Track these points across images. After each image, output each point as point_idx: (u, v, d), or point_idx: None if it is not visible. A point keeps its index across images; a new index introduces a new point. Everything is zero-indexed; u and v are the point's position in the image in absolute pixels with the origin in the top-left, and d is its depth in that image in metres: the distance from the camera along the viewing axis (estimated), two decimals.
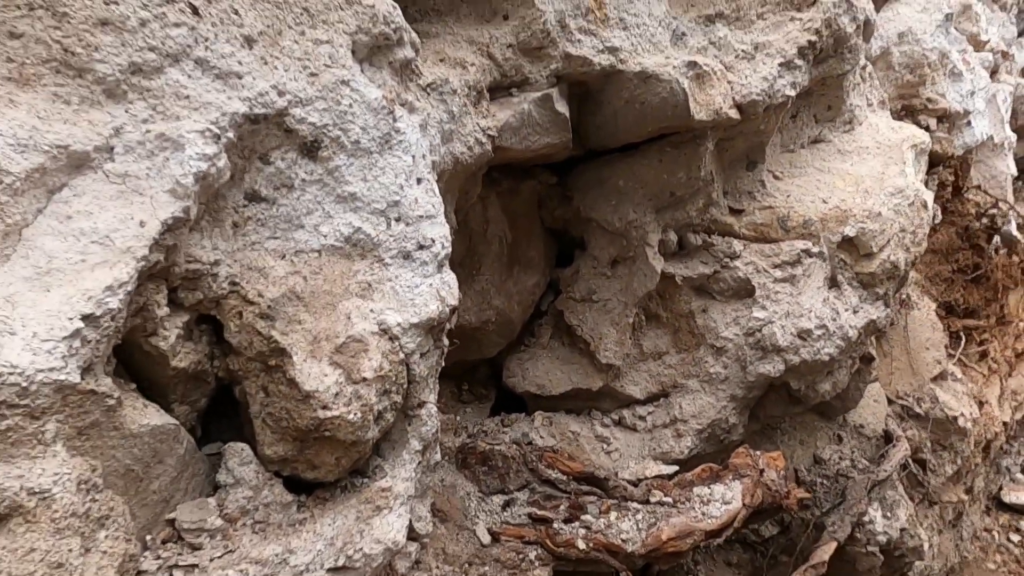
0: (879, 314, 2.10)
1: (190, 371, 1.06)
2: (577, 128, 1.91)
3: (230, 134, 0.99)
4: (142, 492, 0.97)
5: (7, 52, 0.85)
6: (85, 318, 0.80)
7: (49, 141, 0.84)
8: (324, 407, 1.07)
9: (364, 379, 1.10)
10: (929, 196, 2.20)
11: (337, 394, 1.07)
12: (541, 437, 2.04)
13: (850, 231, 2.04)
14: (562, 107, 1.72)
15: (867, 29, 2.18)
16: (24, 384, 0.74)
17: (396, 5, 1.24)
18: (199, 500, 1.08)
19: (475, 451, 1.87)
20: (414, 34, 1.30)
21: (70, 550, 0.77)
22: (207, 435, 1.21)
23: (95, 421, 0.85)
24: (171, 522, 1.03)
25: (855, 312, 2.06)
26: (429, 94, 1.37)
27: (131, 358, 0.99)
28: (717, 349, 2.05)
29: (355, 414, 1.09)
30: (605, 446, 2.07)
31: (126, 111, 0.92)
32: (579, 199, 2.06)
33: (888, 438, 2.62)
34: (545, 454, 1.92)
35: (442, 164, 1.45)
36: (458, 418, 2.11)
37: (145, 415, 0.96)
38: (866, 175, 2.17)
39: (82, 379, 0.81)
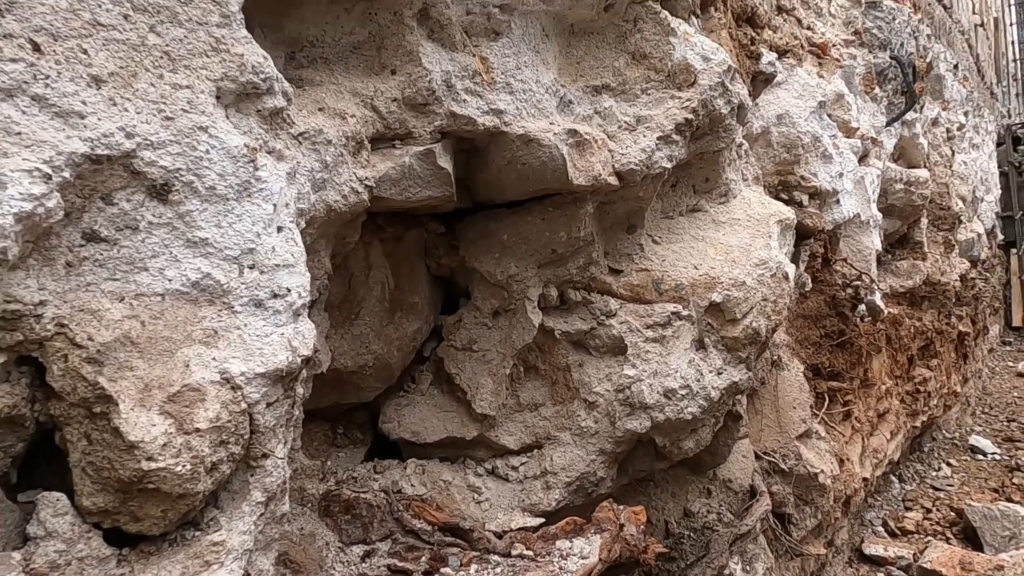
0: (741, 376, 2.23)
1: (3, 415, 1.01)
2: (466, 181, 1.97)
3: (65, 173, 0.97)
4: None
5: None
6: None
7: None
8: (149, 458, 1.03)
9: (197, 429, 1.08)
10: (791, 269, 2.39)
11: (165, 444, 1.04)
12: (412, 485, 2.03)
13: (717, 297, 2.18)
14: (445, 162, 1.77)
15: (741, 112, 2.37)
16: None
17: (267, 56, 1.25)
18: (2, 554, 1.01)
19: (339, 499, 1.84)
20: (287, 84, 1.31)
21: None
22: (29, 483, 1.14)
23: None
24: None
25: (719, 374, 2.18)
26: (301, 143, 1.38)
27: None
28: (589, 404, 2.12)
29: (184, 466, 1.06)
30: (476, 496, 2.08)
31: None
32: (465, 249, 2.11)
33: (753, 492, 2.76)
34: (412, 503, 1.91)
35: (312, 211, 1.45)
36: (329, 463, 2.07)
37: None
38: (735, 245, 2.33)
39: None
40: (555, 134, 1.84)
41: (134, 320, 1.08)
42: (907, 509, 4.82)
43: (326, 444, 2.15)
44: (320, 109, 1.51)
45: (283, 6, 1.59)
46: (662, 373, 2.10)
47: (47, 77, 0.95)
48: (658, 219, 2.39)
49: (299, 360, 1.24)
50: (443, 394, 2.18)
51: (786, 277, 2.35)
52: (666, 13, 2.20)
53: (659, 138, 2.10)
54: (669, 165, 2.13)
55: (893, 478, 5.16)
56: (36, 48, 0.94)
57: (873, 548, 4.12)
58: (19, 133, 0.93)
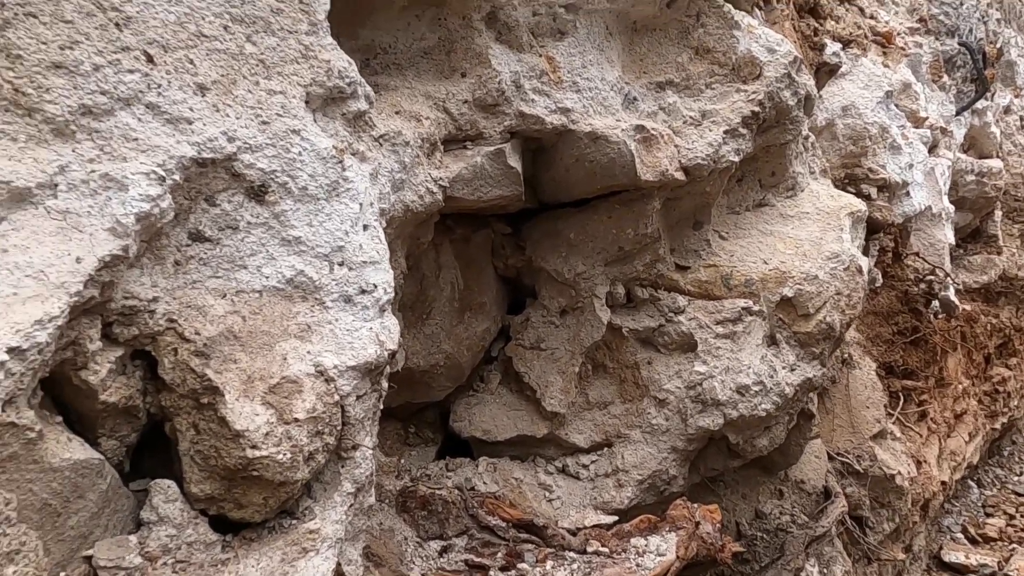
0: (815, 373, 2.18)
1: (120, 406, 1.07)
2: (532, 181, 1.99)
3: (176, 176, 1.03)
4: (59, 527, 0.96)
5: None
6: (11, 351, 0.81)
7: None
8: (253, 447, 1.08)
9: (296, 420, 1.12)
10: (864, 262, 2.32)
11: (267, 434, 1.09)
12: (484, 483, 2.05)
13: (788, 292, 2.14)
14: (514, 162, 1.79)
15: (808, 103, 2.32)
16: None
17: (351, 61, 1.30)
18: (119, 537, 1.07)
19: (416, 495, 1.87)
20: (368, 88, 1.36)
21: None
22: (138, 471, 1.20)
23: (13, 454, 0.86)
24: (88, 559, 1.02)
25: (792, 370, 2.14)
26: (381, 145, 1.43)
27: (60, 391, 1.00)
28: (660, 401, 2.10)
29: (284, 455, 1.10)
30: (548, 493, 2.09)
31: (73, 150, 0.95)
32: (531, 249, 2.13)
33: (827, 494, 2.69)
34: (486, 500, 1.93)
35: (392, 211, 1.49)
36: (402, 460, 2.11)
37: (68, 449, 0.96)
38: (805, 239, 2.28)
39: (3, 410, 0.82)
40: (622, 130, 1.85)
41: (236, 316, 1.13)
42: (988, 515, 4.60)
43: (399, 443, 2.19)
44: (397, 112, 1.55)
45: (358, 16, 1.65)
46: (734, 369, 2.07)
47: (159, 86, 1.01)
48: (724, 215, 2.36)
49: (386, 354, 1.28)
50: (512, 393, 2.20)
51: (860, 270, 2.29)
52: (729, 6, 2.18)
53: (725, 132, 2.08)
54: (736, 159, 2.10)
55: (971, 483, 4.93)
56: (149, 59, 1.00)
57: (953, 555, 3.94)
58: (136, 139, 0.99)
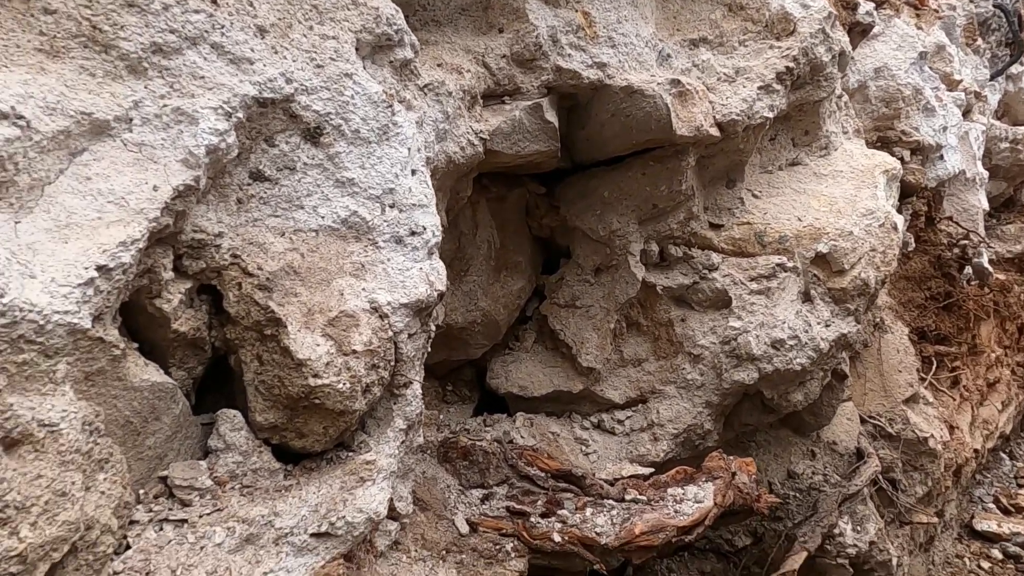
0: (850, 329, 2.19)
1: (189, 336, 1.12)
2: (565, 141, 2.01)
3: (240, 114, 1.07)
4: (138, 446, 1.02)
5: (40, 26, 0.92)
6: (99, 269, 0.86)
7: (75, 107, 0.91)
8: (315, 375, 1.12)
9: (354, 351, 1.16)
10: (899, 219, 2.31)
11: (328, 364, 1.13)
12: (522, 437, 2.09)
13: (823, 248, 2.14)
14: (551, 116, 1.81)
15: (842, 60, 2.31)
16: (41, 323, 0.80)
17: (398, 9, 1.33)
18: (191, 461, 1.13)
19: (457, 446, 1.92)
20: (414, 37, 1.39)
21: (73, 483, 0.82)
22: (201, 406, 1.26)
23: (101, 368, 0.91)
24: (163, 479, 1.08)
25: (827, 326, 2.15)
26: (426, 94, 1.46)
27: (135, 319, 1.05)
28: (694, 357, 2.12)
29: (344, 384, 1.15)
30: (584, 448, 2.13)
31: (146, 87, 0.99)
32: (565, 209, 2.15)
33: (860, 455, 2.69)
34: (525, 452, 1.97)
35: (436, 161, 1.53)
36: (441, 416, 2.16)
37: (146, 371, 1.01)
38: (839, 197, 2.27)
39: (93, 326, 0.87)
40: (658, 84, 1.86)
41: (294, 253, 1.17)
42: (1020, 486, 4.56)
43: (437, 400, 2.25)
44: (439, 64, 1.58)
45: None
46: (769, 324, 2.09)
47: (223, 27, 1.05)
48: (757, 174, 2.36)
49: (435, 294, 1.32)
50: (547, 350, 2.24)
51: (895, 227, 2.28)
52: None
53: (760, 87, 2.08)
54: (770, 115, 2.10)
55: (1003, 455, 4.89)
56: (213, 0, 1.04)
57: (985, 524, 3.93)
58: (202, 77, 1.03)
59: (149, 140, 0.97)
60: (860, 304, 2.21)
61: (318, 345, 1.13)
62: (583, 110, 1.92)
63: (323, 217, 1.21)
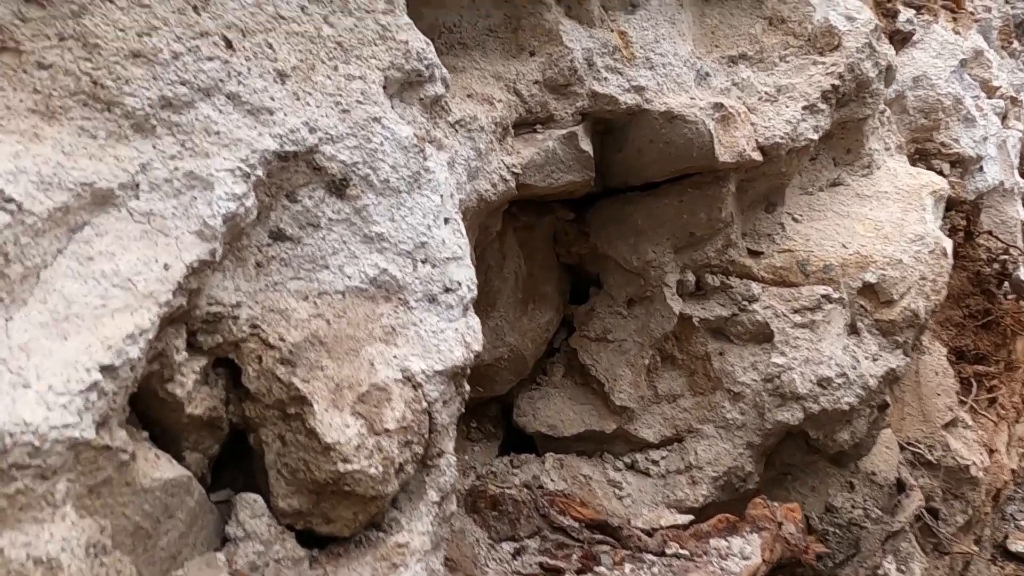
0: (899, 363, 2.06)
1: (205, 418, 1.01)
2: (598, 165, 1.88)
3: (259, 172, 0.95)
4: (150, 550, 0.91)
5: (34, 83, 0.81)
6: (104, 369, 0.75)
7: (74, 178, 0.79)
8: (345, 460, 1.01)
9: (386, 430, 1.05)
10: (949, 244, 2.18)
11: (359, 446, 1.02)
12: (552, 480, 1.98)
13: (871, 277, 2.01)
14: (586, 145, 1.69)
15: (889, 74, 2.18)
16: (36, 443, 0.68)
17: (429, 42, 1.21)
18: (207, 556, 1.02)
19: (485, 495, 1.81)
20: (445, 71, 1.27)
21: None
22: (216, 481, 1.15)
23: (107, 478, 0.80)
24: None
25: (874, 360, 2.02)
26: (457, 131, 1.34)
27: (145, 405, 0.94)
28: (734, 394, 2.00)
29: (376, 468, 1.03)
30: (617, 491, 2.01)
31: (154, 146, 0.87)
32: (596, 236, 2.03)
33: (901, 487, 2.57)
34: (556, 499, 1.86)
35: (467, 202, 1.41)
36: (467, 457, 2.05)
37: (158, 467, 0.90)
38: (886, 221, 2.14)
39: (97, 434, 0.75)
40: (700, 109, 1.73)
41: (320, 319, 1.06)
42: None
43: (460, 438, 2.13)
44: (469, 95, 1.46)
45: None
46: (814, 360, 1.96)
47: (239, 74, 0.94)
48: (796, 195, 2.23)
49: (472, 356, 1.20)
50: (577, 385, 2.12)
51: (944, 253, 2.15)
52: None
53: (804, 107, 1.95)
54: (815, 137, 1.98)
55: None
56: (228, 45, 0.93)
57: (1020, 544, 3.80)
58: (217, 132, 0.91)
59: (159, 209, 0.86)
60: (909, 336, 2.08)
61: (348, 426, 1.02)
62: (619, 134, 1.80)
63: (350, 277, 1.09)
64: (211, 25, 0.91)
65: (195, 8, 0.90)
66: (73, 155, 0.81)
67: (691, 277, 2.05)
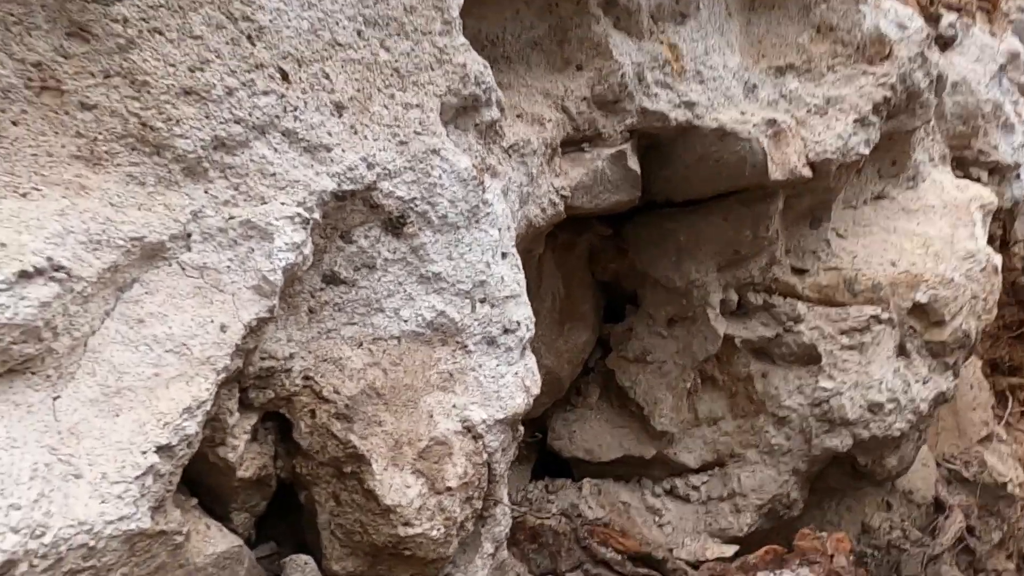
0: (948, 385, 1.99)
1: (254, 478, 0.93)
2: (641, 180, 1.80)
3: (316, 215, 0.87)
4: None
5: (77, 126, 0.73)
6: (160, 450, 0.67)
7: (123, 234, 0.71)
8: (406, 523, 0.94)
9: (448, 488, 0.98)
10: (999, 260, 2.10)
11: (420, 508, 0.95)
12: (590, 507, 1.91)
13: (922, 297, 1.93)
14: (634, 164, 1.61)
15: (939, 85, 2.09)
16: (91, 543, 0.61)
17: (487, 64, 1.12)
18: None
19: (524, 527, 1.73)
20: (500, 92, 1.18)
21: None
22: (259, 533, 1.07)
23: (161, 564, 0.72)
24: None
25: (924, 383, 1.95)
26: (510, 156, 1.26)
27: (195, 470, 0.86)
28: (779, 419, 1.93)
29: (438, 530, 0.96)
30: (657, 518, 1.94)
31: (206, 191, 0.79)
32: (635, 253, 1.95)
33: (939, 506, 2.50)
34: (596, 529, 1.79)
35: (518, 229, 1.33)
36: None
37: (209, 541, 0.83)
38: (935, 237, 2.06)
39: (152, 520, 0.68)
40: (754, 125, 1.65)
41: (376, 368, 0.98)
42: None
43: None
44: (519, 116, 1.38)
45: (466, 5, 1.47)
46: (864, 384, 1.88)
47: (295, 109, 0.86)
48: (840, 209, 2.15)
49: (531, 400, 1.13)
50: (613, 407, 2.04)
51: (996, 270, 2.07)
52: None
53: (855, 120, 1.86)
54: (866, 151, 1.89)
55: None
56: (284, 77, 0.84)
57: None
58: (273, 174, 0.83)
59: (212, 262, 0.78)
60: (959, 357, 2.01)
61: (408, 487, 0.94)
62: (666, 150, 1.71)
63: (406, 321, 1.02)
64: (266, 56, 0.83)
65: (249, 38, 0.81)
66: (121, 205, 0.73)
67: (733, 296, 1.97)
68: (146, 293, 0.74)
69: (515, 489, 1.99)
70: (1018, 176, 2.97)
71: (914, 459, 2.34)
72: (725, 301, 1.95)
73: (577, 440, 2.00)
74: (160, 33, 0.76)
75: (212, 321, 0.75)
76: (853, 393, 1.87)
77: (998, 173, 2.89)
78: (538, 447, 2.12)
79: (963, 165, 2.86)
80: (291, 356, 0.92)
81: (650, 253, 1.93)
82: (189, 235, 0.78)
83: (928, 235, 2.07)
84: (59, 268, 0.63)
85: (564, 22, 1.53)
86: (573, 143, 1.55)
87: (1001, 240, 3.02)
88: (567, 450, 2.00)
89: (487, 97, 1.13)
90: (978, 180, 2.84)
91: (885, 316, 1.94)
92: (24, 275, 0.59)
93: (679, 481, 1.98)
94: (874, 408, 1.86)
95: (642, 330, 1.99)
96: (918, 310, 1.95)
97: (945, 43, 2.58)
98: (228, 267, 0.78)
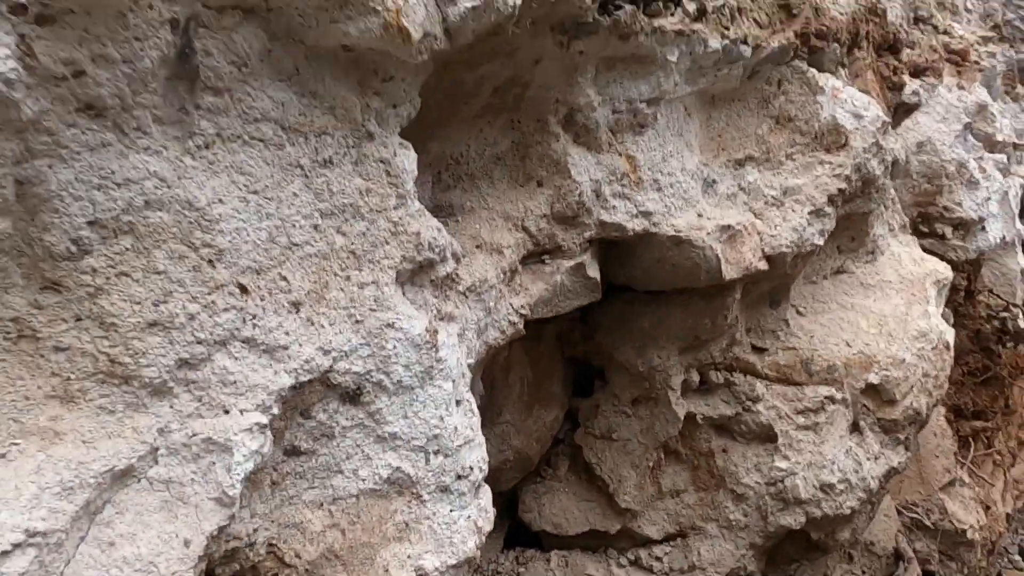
0: (900, 459, 2.08)
1: None
2: (603, 267, 1.88)
3: (274, 410, 0.96)
4: None
5: (52, 367, 0.81)
6: None
7: (95, 471, 0.79)
8: None
9: None
10: (951, 335, 2.19)
11: None
12: None
13: (874, 378, 2.03)
14: (594, 271, 1.69)
15: (895, 168, 2.17)
16: None
17: (440, 227, 1.20)
18: None
19: None
20: (456, 246, 1.26)
21: None
22: None
23: None
24: None
25: (876, 459, 2.04)
26: (468, 297, 1.34)
27: None
28: (737, 495, 2.02)
29: None
30: None
31: (171, 407, 0.88)
32: (601, 336, 2.04)
33: (899, 557, 2.61)
34: None
35: (476, 355, 1.41)
36: None
37: None
38: (889, 315, 2.15)
39: None
40: (708, 233, 1.73)
41: (335, 530, 1.07)
42: None
43: None
44: (478, 246, 1.46)
45: (429, 128, 1.53)
46: (817, 464, 1.98)
47: (254, 317, 0.93)
48: (800, 285, 2.24)
49: (483, 539, 1.21)
50: (581, 481, 2.14)
51: (947, 347, 2.17)
52: (813, 71, 2.02)
53: (810, 212, 1.94)
54: (821, 241, 1.97)
55: None
56: (243, 290, 0.92)
57: None
58: (234, 382, 0.91)
59: (177, 475, 0.86)
60: (911, 432, 2.10)
61: None
62: (626, 251, 1.79)
63: (364, 480, 1.10)
64: (226, 275, 0.91)
65: (210, 262, 0.89)
66: (94, 440, 0.81)
67: (695, 376, 2.06)
68: (116, 513, 0.82)
69: (486, 560, 2.09)
70: (983, 228, 3.06)
71: (867, 527, 2.44)
72: (687, 381, 2.04)
73: (546, 513, 2.10)
74: (127, 275, 0.83)
75: (176, 536, 0.83)
76: (807, 473, 1.97)
77: (963, 228, 2.98)
78: (509, 517, 2.21)
79: (928, 221, 2.95)
80: (255, 531, 1.00)
81: (615, 337, 2.02)
82: (156, 450, 0.86)
83: (883, 313, 2.16)
84: (35, 534, 0.71)
85: (526, 138, 1.61)
86: (534, 256, 1.63)
87: (966, 290, 3.12)
88: (536, 524, 2.10)
89: (441, 257, 1.21)
90: (942, 236, 2.93)
91: (839, 396, 2.03)
92: (3, 554, 0.68)
93: (643, 552, 2.08)
94: (826, 488, 1.96)
95: (608, 408, 2.08)
96: (871, 390, 2.04)
97: (908, 109, 2.66)
98: (192, 479, 0.87)
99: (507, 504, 2.22)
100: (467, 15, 1.09)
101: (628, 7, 1.45)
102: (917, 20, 3.04)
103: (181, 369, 0.88)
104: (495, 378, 1.91)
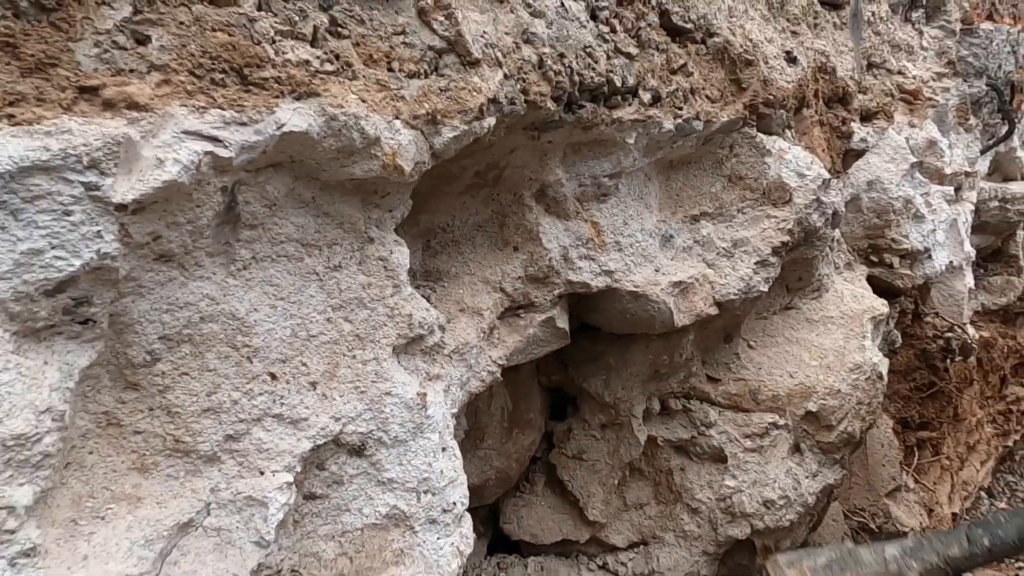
0: (836, 476, 2.37)
1: None
2: (573, 309, 2.14)
3: (298, 469, 1.22)
4: None
5: (132, 446, 1.06)
6: None
7: (167, 524, 1.05)
8: None
9: None
10: (884, 365, 2.47)
11: None
12: None
13: (813, 407, 2.30)
14: (563, 322, 1.95)
15: (835, 219, 2.43)
16: None
17: (430, 307, 1.46)
18: None
19: None
20: (442, 319, 1.52)
21: None
22: None
23: None
24: None
25: (814, 477, 2.33)
26: (452, 359, 1.60)
27: None
28: (692, 509, 2.31)
29: None
30: None
31: (219, 471, 1.13)
32: (573, 369, 2.31)
33: None
34: None
35: (459, 404, 1.67)
36: None
37: None
38: (829, 348, 2.43)
39: None
40: (662, 288, 1.99)
41: (344, 558, 1.33)
42: None
43: None
44: (461, 310, 1.71)
45: (419, 203, 1.79)
46: (761, 483, 2.26)
47: (281, 397, 1.19)
48: (752, 320, 2.51)
49: (464, 560, 1.48)
50: (556, 495, 2.41)
51: (880, 377, 2.44)
52: (761, 136, 2.27)
53: (756, 263, 2.21)
54: (766, 288, 2.24)
55: (981, 493, 5.13)
56: (273, 377, 1.18)
57: None
58: (267, 450, 1.17)
59: (226, 524, 1.12)
60: (846, 452, 2.39)
61: None
62: (592, 302, 2.05)
63: (367, 516, 1.36)
64: (260, 367, 1.16)
65: (248, 358, 1.15)
66: (164, 502, 1.07)
67: (656, 404, 2.34)
68: (181, 555, 1.08)
69: (471, 565, 2.36)
70: (929, 257, 3.34)
71: (808, 535, 2.73)
72: (648, 409, 2.32)
73: (524, 524, 2.37)
74: (186, 374, 1.09)
75: (227, 571, 1.10)
76: (752, 491, 2.25)
77: (909, 258, 3.26)
78: (492, 527, 2.49)
79: (878, 252, 3.22)
80: (282, 560, 1.26)
81: (585, 370, 2.29)
82: (209, 505, 1.12)
83: (824, 347, 2.44)
84: None
85: (504, 208, 1.86)
86: (511, 311, 1.89)
87: (914, 312, 3.40)
88: (516, 534, 2.37)
89: (430, 331, 1.46)
90: (891, 265, 3.21)
91: (782, 422, 2.31)
92: None
93: (610, 558, 2.37)
94: (768, 504, 2.24)
95: (579, 432, 2.36)
96: (810, 416, 2.32)
97: (857, 155, 2.92)
98: (237, 527, 1.13)
99: (490, 515, 2.50)
100: (450, 142, 1.34)
101: (589, 105, 1.70)
102: (871, 66, 3.29)
103: (227, 442, 1.14)
104: (478, 408, 2.18)
